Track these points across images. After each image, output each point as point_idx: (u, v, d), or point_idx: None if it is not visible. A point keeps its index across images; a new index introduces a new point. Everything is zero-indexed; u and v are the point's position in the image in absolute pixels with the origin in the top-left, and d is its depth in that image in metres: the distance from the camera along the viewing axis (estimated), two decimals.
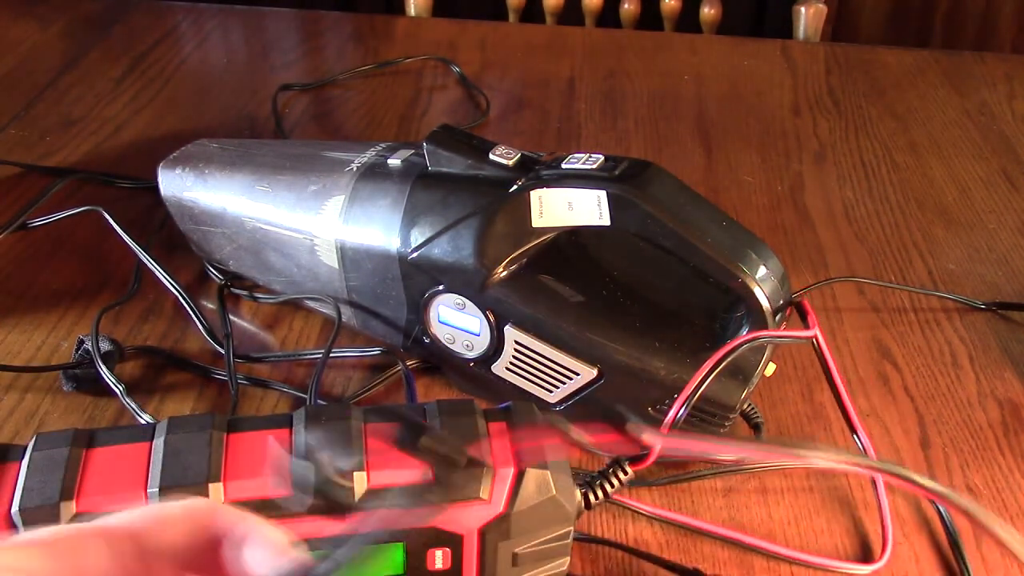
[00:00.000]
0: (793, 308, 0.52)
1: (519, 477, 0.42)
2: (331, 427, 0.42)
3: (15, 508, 0.39)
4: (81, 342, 0.59)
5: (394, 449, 0.40)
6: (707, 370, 0.47)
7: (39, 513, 0.39)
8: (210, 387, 0.59)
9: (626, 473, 0.46)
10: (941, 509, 0.53)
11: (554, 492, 0.42)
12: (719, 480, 0.54)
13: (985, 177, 0.84)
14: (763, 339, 0.49)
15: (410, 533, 0.41)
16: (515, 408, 0.45)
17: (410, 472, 0.41)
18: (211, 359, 0.61)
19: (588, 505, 0.45)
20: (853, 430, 0.52)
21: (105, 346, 0.59)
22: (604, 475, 0.46)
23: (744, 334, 0.49)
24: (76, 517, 0.39)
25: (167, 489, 0.40)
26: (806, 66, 1.02)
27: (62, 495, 0.39)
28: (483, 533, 0.42)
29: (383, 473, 0.41)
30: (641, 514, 0.51)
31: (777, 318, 0.51)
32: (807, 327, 0.50)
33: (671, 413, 0.47)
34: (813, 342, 0.50)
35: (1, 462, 0.41)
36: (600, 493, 0.45)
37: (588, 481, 0.46)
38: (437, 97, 0.93)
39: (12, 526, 0.39)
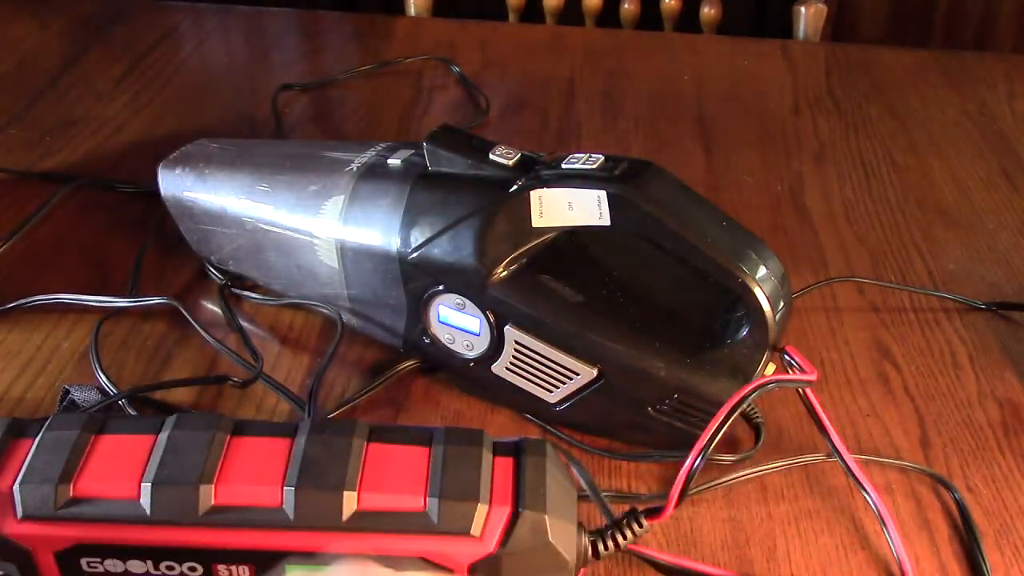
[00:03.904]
0: (781, 355, 0.52)
1: (513, 517, 0.41)
2: (332, 443, 0.42)
3: (16, 484, 0.40)
4: (67, 392, 0.56)
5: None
6: (721, 419, 0.46)
7: (37, 492, 0.40)
8: (209, 391, 0.59)
9: (641, 526, 0.45)
10: (960, 502, 0.53)
11: (549, 538, 0.41)
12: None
13: (985, 177, 0.84)
14: (771, 385, 0.48)
15: (400, 561, 0.41)
16: (526, 445, 0.44)
17: (404, 496, 0.41)
18: (211, 367, 0.61)
19: (597, 555, 0.44)
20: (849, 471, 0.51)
21: (92, 397, 0.55)
22: (618, 525, 0.45)
23: (754, 381, 0.48)
24: (71, 502, 0.40)
25: (159, 485, 0.40)
26: (806, 66, 1.02)
27: (61, 478, 0.40)
28: (472, 570, 0.41)
29: (376, 495, 0.41)
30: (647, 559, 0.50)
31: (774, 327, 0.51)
32: (804, 371, 0.50)
33: (687, 464, 0.45)
34: (800, 392, 0.51)
35: (18, 437, 0.42)
36: (611, 544, 0.45)
37: (600, 530, 0.45)
38: (437, 97, 0.93)
39: (12, 501, 0.40)
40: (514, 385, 0.57)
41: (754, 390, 0.48)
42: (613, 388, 0.54)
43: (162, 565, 0.41)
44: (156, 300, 0.63)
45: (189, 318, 0.62)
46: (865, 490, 0.51)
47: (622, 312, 0.54)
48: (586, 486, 0.46)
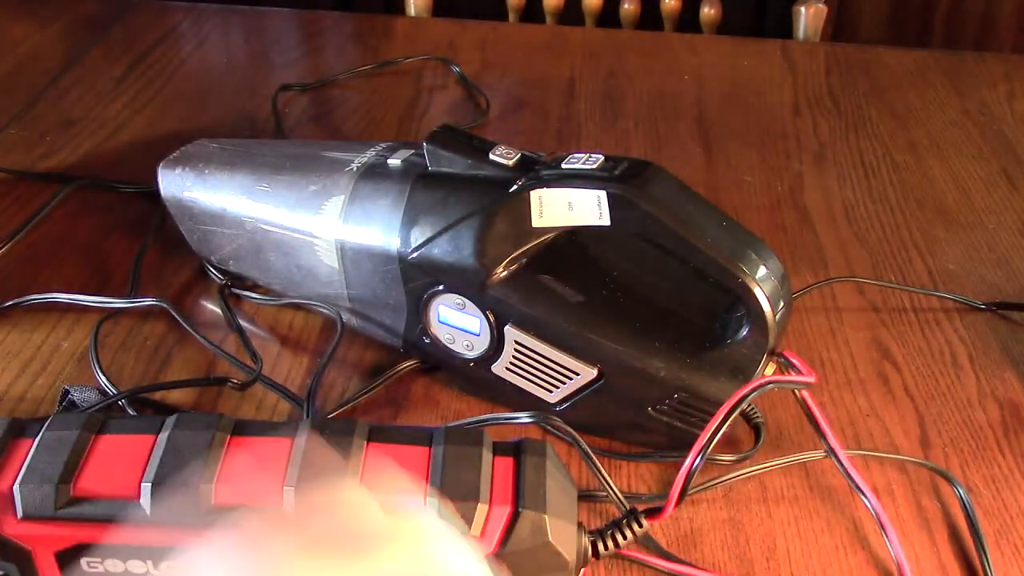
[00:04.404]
0: (780, 360, 0.52)
1: (514, 517, 0.41)
2: (333, 442, 0.42)
3: (16, 484, 0.40)
4: (66, 392, 0.56)
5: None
6: (720, 419, 0.46)
7: (37, 492, 0.40)
8: (209, 391, 0.59)
9: (640, 526, 0.45)
10: (962, 497, 0.53)
11: (549, 538, 0.41)
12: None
13: (985, 177, 0.84)
14: (770, 386, 0.48)
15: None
16: (526, 445, 0.44)
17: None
18: (211, 369, 0.61)
19: (596, 554, 0.44)
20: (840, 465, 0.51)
21: (92, 397, 0.55)
22: (617, 525, 0.45)
23: (753, 382, 0.49)
24: (71, 502, 0.40)
25: (159, 485, 0.40)
26: (806, 66, 1.02)
27: (61, 478, 0.40)
28: None
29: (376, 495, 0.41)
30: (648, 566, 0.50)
31: (776, 321, 0.51)
32: (801, 374, 0.50)
33: (687, 463, 0.46)
34: (795, 393, 0.51)
35: (18, 437, 0.42)
36: (611, 543, 0.45)
37: (599, 530, 0.45)
38: (437, 97, 0.93)
39: (11, 501, 0.40)
40: (514, 385, 0.57)
41: (753, 390, 0.48)
42: (613, 388, 0.54)
43: (162, 565, 0.41)
44: (149, 301, 0.63)
45: (180, 320, 0.62)
46: (863, 493, 0.51)
47: (622, 312, 0.54)
48: (594, 472, 0.46)
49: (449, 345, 0.58)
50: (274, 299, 0.65)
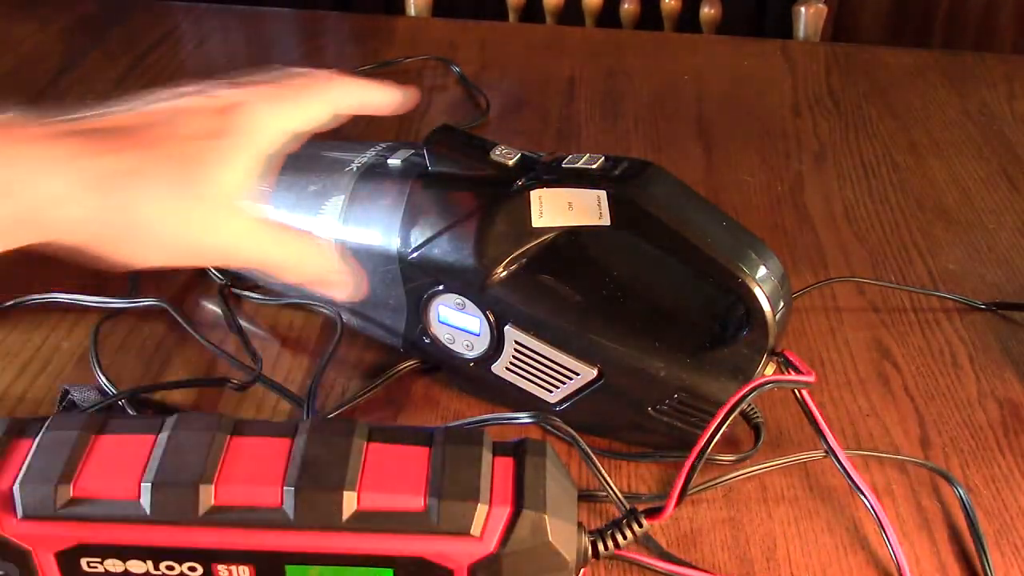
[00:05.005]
0: (779, 359, 0.52)
1: (514, 517, 0.41)
2: (332, 443, 0.42)
3: (16, 484, 0.40)
4: (66, 392, 0.56)
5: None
6: (720, 419, 0.46)
7: (37, 492, 0.40)
8: (209, 391, 0.59)
9: (640, 526, 0.45)
10: (962, 497, 0.53)
11: (549, 538, 0.41)
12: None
13: (985, 177, 0.84)
14: (769, 385, 0.49)
15: (399, 560, 0.41)
16: (526, 445, 0.44)
17: (404, 496, 0.41)
18: (209, 369, 0.61)
19: (596, 554, 0.45)
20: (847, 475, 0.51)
21: (92, 397, 0.56)
22: (617, 525, 0.45)
23: (752, 382, 0.49)
24: (71, 502, 0.40)
25: (159, 485, 0.40)
26: (806, 66, 1.02)
27: (61, 478, 0.40)
28: (472, 571, 0.41)
29: (376, 495, 0.41)
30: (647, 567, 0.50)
31: (776, 321, 0.51)
32: (800, 373, 0.51)
33: (687, 463, 0.46)
34: (795, 393, 0.51)
35: (18, 437, 0.42)
36: (611, 543, 0.45)
37: (599, 530, 0.45)
38: (437, 97, 0.93)
39: (11, 501, 0.40)
40: (514, 385, 0.57)
41: (752, 390, 0.48)
42: (613, 388, 0.54)
43: (162, 565, 0.41)
44: (150, 302, 0.63)
45: (181, 320, 0.62)
46: (863, 493, 0.51)
47: (622, 312, 0.54)
48: (594, 472, 0.47)
49: (449, 345, 0.58)
50: (274, 299, 0.65)
